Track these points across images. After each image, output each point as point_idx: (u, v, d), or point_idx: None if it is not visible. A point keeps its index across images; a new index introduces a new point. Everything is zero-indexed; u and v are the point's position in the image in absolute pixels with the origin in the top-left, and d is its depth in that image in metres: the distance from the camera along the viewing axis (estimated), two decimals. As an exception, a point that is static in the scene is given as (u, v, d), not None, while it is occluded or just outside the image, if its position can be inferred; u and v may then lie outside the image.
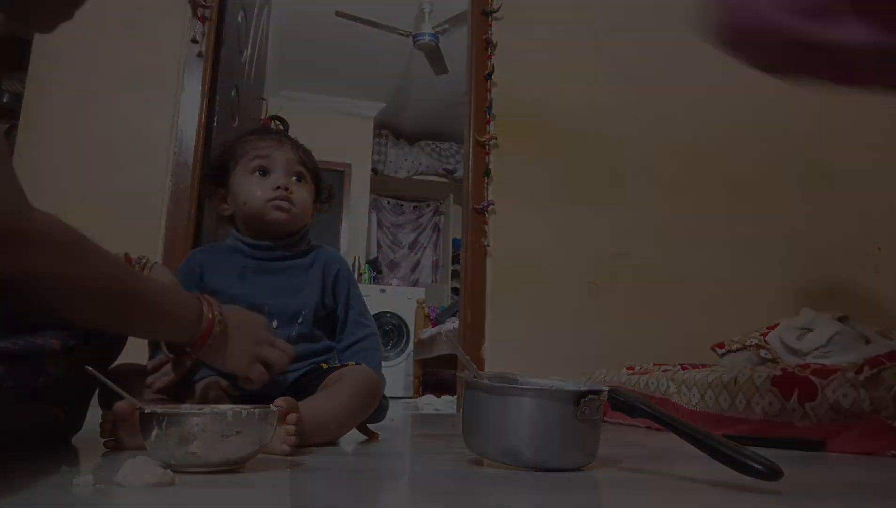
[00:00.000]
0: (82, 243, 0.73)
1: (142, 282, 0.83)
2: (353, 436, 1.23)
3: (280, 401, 0.90)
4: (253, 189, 1.23)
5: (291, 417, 0.90)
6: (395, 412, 2.02)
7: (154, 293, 0.84)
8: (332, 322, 1.29)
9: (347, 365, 1.17)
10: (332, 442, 1.13)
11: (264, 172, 1.24)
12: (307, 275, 1.26)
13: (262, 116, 3.22)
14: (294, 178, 1.25)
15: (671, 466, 0.94)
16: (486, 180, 2.43)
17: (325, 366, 1.20)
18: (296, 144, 1.29)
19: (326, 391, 1.12)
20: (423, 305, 4.96)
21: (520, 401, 0.81)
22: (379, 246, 6.33)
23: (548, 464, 0.80)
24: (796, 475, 0.94)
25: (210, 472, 0.70)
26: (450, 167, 6.36)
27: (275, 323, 1.20)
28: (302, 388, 1.15)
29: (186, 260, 1.27)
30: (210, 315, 0.90)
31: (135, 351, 1.18)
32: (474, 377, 0.89)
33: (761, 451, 0.74)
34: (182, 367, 0.98)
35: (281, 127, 1.36)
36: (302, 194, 1.25)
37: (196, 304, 0.90)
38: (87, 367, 0.76)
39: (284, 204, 1.22)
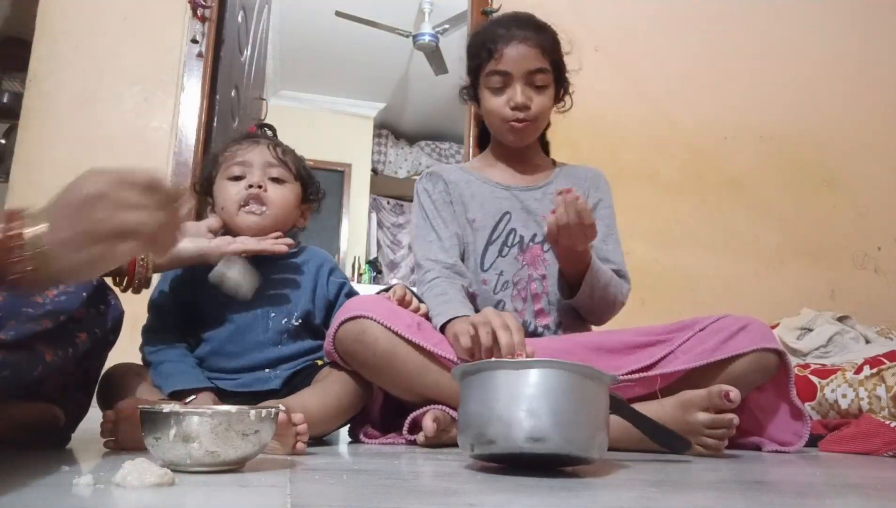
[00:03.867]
0: None
1: None
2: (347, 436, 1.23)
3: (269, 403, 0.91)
4: (228, 193, 1.22)
5: (299, 417, 0.90)
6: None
7: None
8: (325, 324, 1.28)
9: None
10: (325, 435, 1.13)
11: (240, 176, 1.23)
12: (298, 275, 1.26)
13: (263, 116, 3.22)
14: (270, 178, 1.24)
15: (671, 466, 0.94)
16: (486, 180, 2.43)
17: (319, 363, 1.21)
18: (274, 144, 1.27)
19: (318, 385, 1.13)
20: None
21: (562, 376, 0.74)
22: (379, 246, 6.32)
23: (583, 452, 0.76)
24: (794, 474, 0.94)
25: (210, 472, 0.70)
26: (450, 167, 6.35)
27: (269, 323, 1.20)
28: (296, 387, 1.15)
29: None
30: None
31: (133, 352, 1.19)
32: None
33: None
34: None
35: (269, 133, 1.34)
36: (279, 194, 1.23)
37: None
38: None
39: (256, 208, 1.21)
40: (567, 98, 1.44)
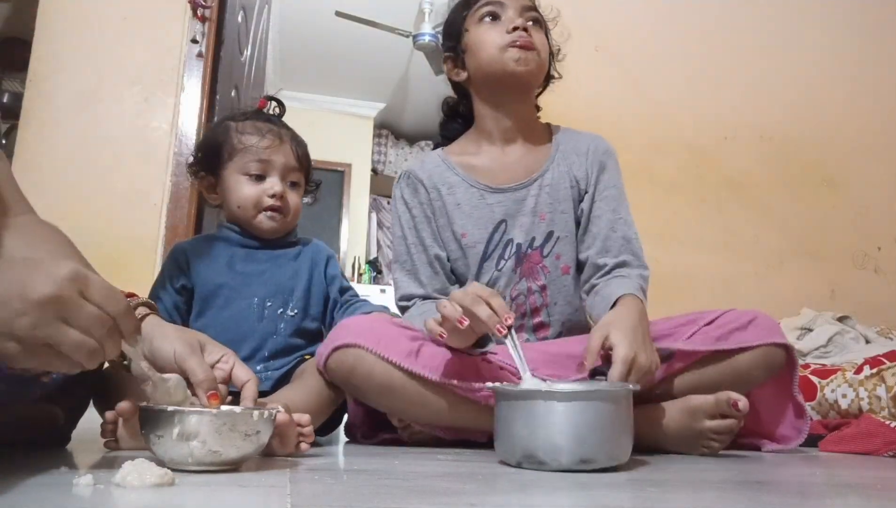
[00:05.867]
0: None
1: None
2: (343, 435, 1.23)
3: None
4: (247, 194, 1.21)
5: (305, 418, 0.91)
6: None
7: None
8: (322, 316, 1.28)
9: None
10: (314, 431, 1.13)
11: (260, 177, 1.22)
12: (296, 263, 1.26)
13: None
14: (290, 182, 1.24)
15: (671, 466, 0.94)
16: (485, 180, 2.42)
17: (307, 357, 1.21)
18: (294, 141, 1.26)
19: (297, 381, 1.12)
20: (423, 305, 4.95)
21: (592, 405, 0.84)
22: (379, 246, 6.32)
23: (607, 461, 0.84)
24: (794, 474, 0.94)
25: (210, 472, 0.70)
26: (450, 167, 6.34)
27: (265, 311, 1.19)
28: (282, 385, 1.15)
29: (171, 251, 1.25)
30: None
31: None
32: (533, 375, 0.91)
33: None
34: None
35: (278, 110, 1.33)
36: (295, 200, 1.25)
37: None
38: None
39: (277, 216, 1.22)
40: (554, 71, 1.38)
